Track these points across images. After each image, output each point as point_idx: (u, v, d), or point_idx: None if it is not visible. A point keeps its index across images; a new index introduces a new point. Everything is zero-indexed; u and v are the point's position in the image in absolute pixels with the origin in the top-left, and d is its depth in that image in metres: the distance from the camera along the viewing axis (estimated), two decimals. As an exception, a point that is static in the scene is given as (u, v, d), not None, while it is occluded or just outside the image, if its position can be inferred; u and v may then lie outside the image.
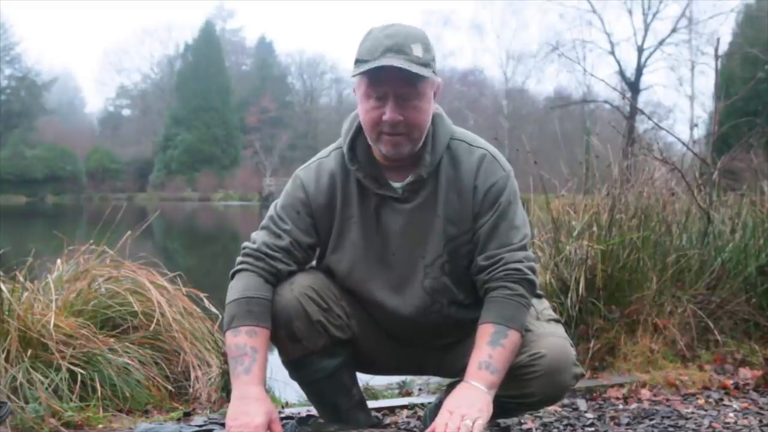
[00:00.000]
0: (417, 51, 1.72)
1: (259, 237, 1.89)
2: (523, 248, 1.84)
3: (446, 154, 1.86)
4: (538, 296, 2.05)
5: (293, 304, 1.84)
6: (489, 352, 1.73)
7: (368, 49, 1.73)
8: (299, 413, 2.32)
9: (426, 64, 1.73)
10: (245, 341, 1.76)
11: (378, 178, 1.85)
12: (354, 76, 1.76)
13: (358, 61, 1.75)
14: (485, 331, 1.76)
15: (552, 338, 1.86)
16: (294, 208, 1.89)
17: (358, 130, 1.86)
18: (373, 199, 1.86)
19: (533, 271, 1.83)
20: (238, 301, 1.80)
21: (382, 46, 1.71)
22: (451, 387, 2.09)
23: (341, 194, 1.88)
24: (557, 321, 1.98)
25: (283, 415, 2.31)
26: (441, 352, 2.01)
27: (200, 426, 2.16)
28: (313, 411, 2.19)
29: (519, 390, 1.82)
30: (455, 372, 2.03)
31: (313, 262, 1.98)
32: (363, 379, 2.75)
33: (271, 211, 1.92)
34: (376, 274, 1.89)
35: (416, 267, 1.87)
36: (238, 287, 1.82)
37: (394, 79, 1.71)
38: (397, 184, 1.85)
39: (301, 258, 1.90)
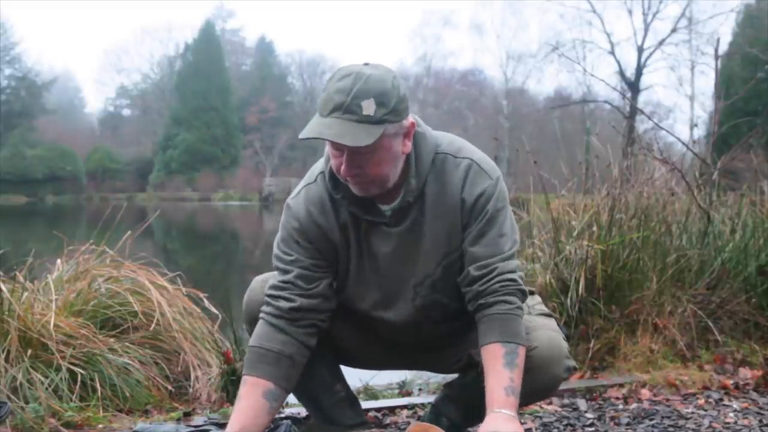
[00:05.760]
0: (368, 109, 1.63)
1: (270, 281, 1.89)
2: (513, 257, 1.82)
3: (432, 171, 1.82)
4: (530, 293, 2.05)
5: (261, 299, 1.87)
6: (509, 375, 1.69)
7: (323, 100, 1.67)
8: (299, 413, 2.33)
9: (379, 121, 1.64)
10: (239, 392, 1.82)
11: (365, 203, 1.81)
12: (300, 138, 1.68)
13: (318, 112, 1.69)
14: (497, 353, 1.72)
15: (544, 331, 1.87)
16: (292, 239, 1.87)
17: None
18: (363, 224, 1.84)
19: (523, 280, 1.83)
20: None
21: (331, 102, 1.64)
22: (449, 387, 2.10)
23: (332, 219, 1.85)
24: (548, 315, 1.98)
25: (282, 416, 2.31)
26: (434, 350, 2.02)
27: (198, 426, 2.17)
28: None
29: None
30: (449, 367, 2.06)
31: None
32: (363, 378, 2.76)
33: (275, 250, 1.91)
34: (367, 294, 1.89)
35: (406, 287, 1.87)
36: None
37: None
38: (385, 207, 1.82)
39: (316, 276, 1.85)
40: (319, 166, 1.90)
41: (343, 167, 1.70)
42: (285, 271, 1.86)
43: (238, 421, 1.74)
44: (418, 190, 1.80)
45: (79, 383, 2.41)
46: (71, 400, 2.36)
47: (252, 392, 1.78)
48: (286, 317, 1.82)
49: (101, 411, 2.37)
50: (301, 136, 1.66)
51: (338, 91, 1.65)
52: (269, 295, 1.86)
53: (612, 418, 2.46)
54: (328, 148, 1.77)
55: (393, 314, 1.90)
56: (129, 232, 3.06)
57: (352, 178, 1.72)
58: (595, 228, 3.20)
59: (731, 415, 2.52)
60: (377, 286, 1.88)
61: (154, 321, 2.65)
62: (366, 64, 1.71)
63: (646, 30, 35.63)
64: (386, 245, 1.83)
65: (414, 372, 2.83)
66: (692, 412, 2.55)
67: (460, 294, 1.85)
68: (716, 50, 5.07)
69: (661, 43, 35.15)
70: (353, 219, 1.84)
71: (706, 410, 2.59)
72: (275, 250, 1.90)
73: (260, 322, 1.85)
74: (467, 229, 1.81)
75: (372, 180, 1.73)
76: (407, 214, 1.81)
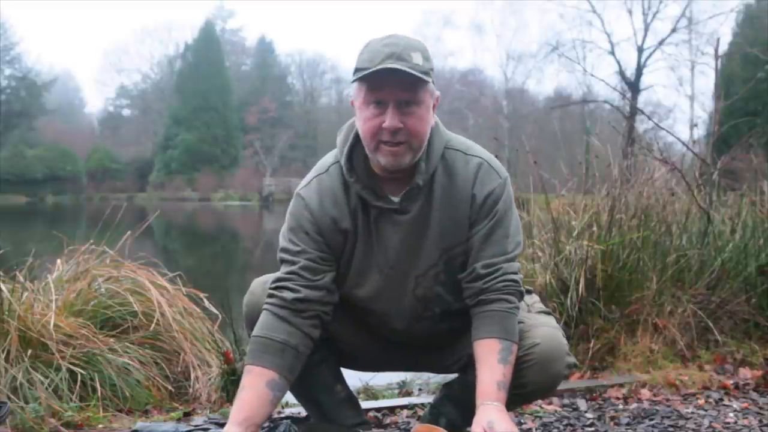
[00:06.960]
0: (417, 59, 1.71)
1: (277, 274, 1.88)
2: (515, 258, 1.86)
3: (441, 164, 1.84)
4: (528, 291, 2.07)
5: (261, 302, 1.86)
6: (502, 371, 1.75)
7: (368, 58, 1.72)
8: (299, 413, 2.33)
9: (426, 72, 1.72)
10: (242, 381, 1.79)
11: (376, 189, 1.83)
12: (353, 81, 1.75)
13: (358, 70, 1.74)
14: (493, 348, 1.77)
15: (544, 328, 1.89)
16: (302, 229, 1.86)
17: (355, 141, 1.84)
18: (372, 212, 1.85)
19: (522, 281, 1.87)
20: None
21: (381, 54, 1.70)
22: (448, 387, 2.11)
23: (343, 207, 1.85)
24: (548, 313, 2.00)
25: (282, 416, 2.31)
26: (434, 350, 2.02)
27: (196, 426, 2.17)
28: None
29: (514, 380, 1.81)
30: (449, 367, 2.06)
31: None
32: (363, 378, 2.76)
33: (281, 241, 1.89)
34: (367, 282, 1.89)
35: (408, 277, 1.87)
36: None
37: (394, 83, 1.70)
38: (395, 199, 1.83)
39: (322, 269, 1.84)
40: (329, 158, 1.91)
41: (387, 119, 1.72)
42: (291, 263, 1.85)
43: (243, 410, 1.73)
44: (427, 174, 1.82)
45: (79, 383, 2.41)
46: (71, 400, 2.36)
47: (256, 382, 1.76)
48: (290, 308, 1.81)
49: (101, 411, 2.37)
50: (361, 74, 1.71)
51: (386, 45, 1.72)
52: (273, 287, 1.84)
53: (612, 418, 2.46)
54: (363, 114, 1.76)
55: (394, 308, 1.90)
56: (129, 232, 3.06)
57: (392, 136, 1.73)
58: (595, 228, 3.20)
59: (731, 415, 2.52)
60: (378, 275, 1.88)
61: (154, 321, 2.65)
62: None
63: (646, 30, 35.58)
64: (394, 234, 1.84)
65: (414, 372, 2.83)
66: (692, 412, 2.55)
67: (460, 290, 1.86)
68: (716, 50, 5.06)
69: (661, 43, 35.10)
70: (363, 205, 1.85)
71: (706, 410, 2.59)
72: (282, 243, 1.88)
73: (264, 312, 1.83)
74: (475, 227, 1.83)
75: (409, 139, 1.74)
76: (415, 201, 1.83)
